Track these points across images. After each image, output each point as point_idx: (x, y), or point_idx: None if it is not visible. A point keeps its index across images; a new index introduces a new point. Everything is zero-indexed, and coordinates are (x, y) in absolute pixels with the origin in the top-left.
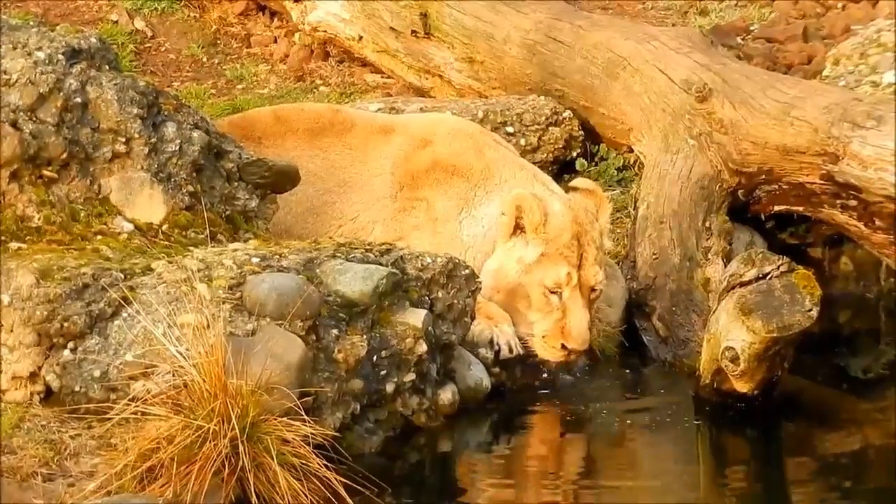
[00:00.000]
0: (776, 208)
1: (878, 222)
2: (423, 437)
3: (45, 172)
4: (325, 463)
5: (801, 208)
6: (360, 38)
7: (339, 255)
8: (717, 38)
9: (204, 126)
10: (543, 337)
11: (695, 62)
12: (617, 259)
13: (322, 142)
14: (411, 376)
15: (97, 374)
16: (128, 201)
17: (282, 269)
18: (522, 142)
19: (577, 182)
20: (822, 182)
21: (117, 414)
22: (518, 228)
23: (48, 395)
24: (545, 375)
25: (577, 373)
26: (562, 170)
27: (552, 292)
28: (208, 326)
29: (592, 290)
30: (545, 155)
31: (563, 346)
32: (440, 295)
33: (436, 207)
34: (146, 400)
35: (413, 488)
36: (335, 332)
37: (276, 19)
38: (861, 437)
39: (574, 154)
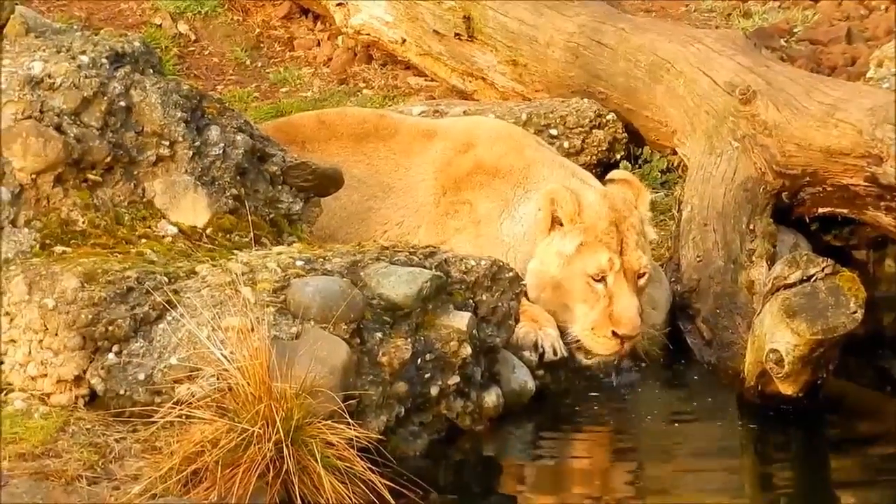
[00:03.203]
0: (820, 210)
1: None
2: (468, 440)
3: (90, 176)
4: (370, 466)
5: (845, 210)
6: (404, 41)
7: (383, 258)
8: (760, 41)
9: (248, 129)
10: (592, 329)
11: (738, 64)
12: (661, 261)
13: (366, 147)
14: (455, 379)
15: (142, 377)
16: (172, 205)
17: (326, 272)
18: (566, 144)
19: (613, 174)
20: (865, 184)
21: (162, 417)
22: (555, 222)
23: (93, 399)
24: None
25: (622, 373)
26: (605, 172)
27: (596, 281)
28: (252, 330)
29: (639, 276)
30: (589, 157)
31: (615, 335)
32: (484, 298)
33: (478, 210)
34: (190, 403)
35: (458, 491)
36: (379, 335)
37: (319, 22)
38: None
39: (618, 157)
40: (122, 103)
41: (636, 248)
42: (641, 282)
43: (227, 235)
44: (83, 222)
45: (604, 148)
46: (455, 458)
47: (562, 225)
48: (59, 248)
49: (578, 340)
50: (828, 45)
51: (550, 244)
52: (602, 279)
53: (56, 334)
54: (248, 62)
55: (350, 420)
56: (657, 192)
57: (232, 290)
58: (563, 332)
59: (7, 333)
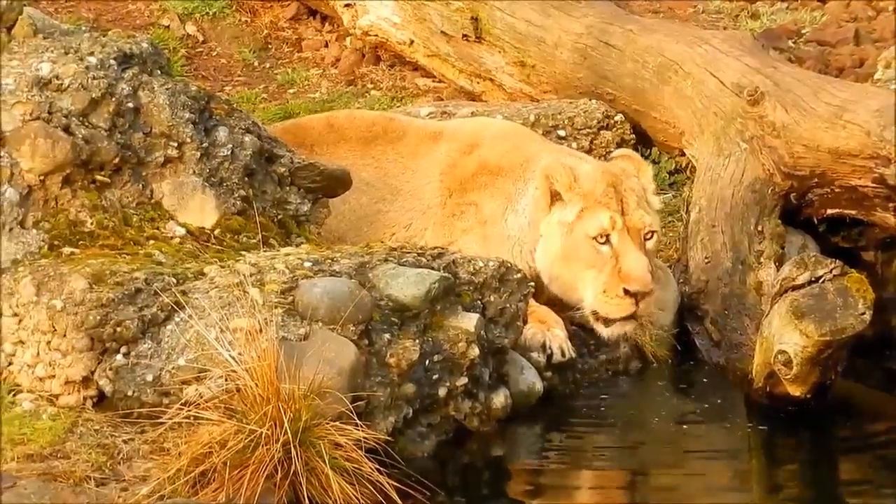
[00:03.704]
0: (828, 212)
1: None
2: (476, 442)
3: (98, 177)
4: (378, 467)
5: (853, 211)
6: (412, 42)
7: (391, 259)
8: (768, 42)
9: (255, 130)
10: (604, 291)
11: (746, 65)
12: (669, 263)
13: (374, 150)
14: (464, 380)
15: (150, 378)
16: (180, 206)
17: (334, 273)
18: (574, 145)
19: (614, 153)
20: (874, 185)
21: (170, 418)
22: (554, 198)
23: (101, 400)
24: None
25: (629, 374)
26: None
27: (601, 243)
28: (261, 331)
29: (645, 237)
30: (597, 159)
31: (627, 293)
32: (492, 299)
33: (484, 210)
34: (199, 404)
35: (465, 493)
36: (387, 336)
37: (327, 24)
38: None
39: None
40: (130, 104)
41: (638, 207)
42: (649, 244)
43: (236, 236)
44: (91, 223)
45: (612, 149)
46: (463, 459)
47: (561, 199)
48: (67, 249)
49: (596, 312)
50: (836, 46)
51: (552, 218)
52: (606, 240)
53: (64, 335)
54: (255, 63)
55: (358, 421)
56: (665, 194)
57: (240, 291)
58: (578, 309)
59: (15, 334)
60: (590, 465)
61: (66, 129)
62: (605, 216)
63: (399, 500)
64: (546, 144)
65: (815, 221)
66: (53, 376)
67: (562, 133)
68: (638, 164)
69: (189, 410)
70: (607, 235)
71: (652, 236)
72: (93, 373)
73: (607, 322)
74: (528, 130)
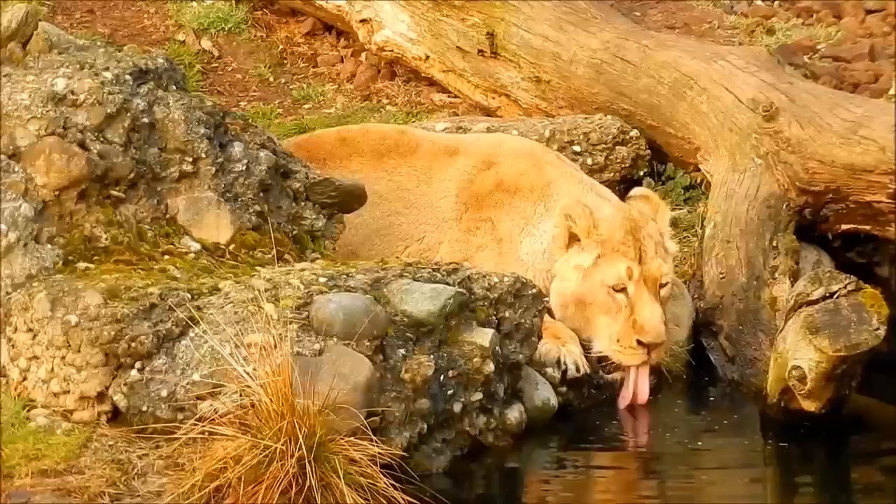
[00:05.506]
0: (843, 227)
1: None
2: (491, 457)
3: (113, 192)
4: (393, 483)
5: (868, 227)
6: (427, 57)
7: (406, 274)
8: (783, 57)
9: (271, 146)
10: (618, 340)
11: (762, 81)
12: (684, 278)
13: (387, 163)
14: (478, 396)
15: (164, 393)
16: (195, 221)
17: (349, 288)
18: (589, 161)
19: (633, 191)
20: (889, 201)
21: (184, 434)
22: (573, 238)
23: (115, 416)
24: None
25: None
26: (629, 189)
27: (617, 291)
28: (275, 346)
29: (661, 285)
30: (612, 174)
31: (640, 344)
32: (507, 314)
33: (500, 228)
34: (213, 420)
35: None
36: (402, 351)
37: (342, 39)
38: None
39: (641, 173)
40: (146, 119)
41: (655, 256)
42: (664, 292)
43: (250, 252)
44: (106, 238)
45: (627, 164)
46: (478, 474)
47: (579, 240)
48: (81, 265)
49: (602, 354)
50: (851, 61)
51: (569, 260)
52: (623, 289)
53: (79, 351)
54: (271, 78)
55: (373, 436)
56: (680, 209)
57: (255, 306)
58: (587, 349)
59: (30, 350)
60: (604, 485)
61: (82, 145)
62: (623, 266)
63: None
64: (563, 167)
65: (830, 237)
66: (68, 392)
67: (577, 148)
68: (656, 206)
69: (203, 426)
70: (624, 286)
71: (667, 285)
72: (107, 388)
73: (611, 368)
74: (544, 148)
